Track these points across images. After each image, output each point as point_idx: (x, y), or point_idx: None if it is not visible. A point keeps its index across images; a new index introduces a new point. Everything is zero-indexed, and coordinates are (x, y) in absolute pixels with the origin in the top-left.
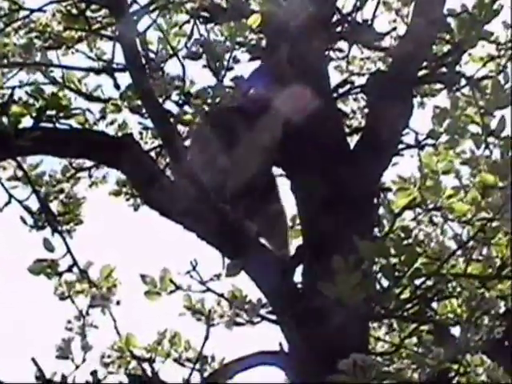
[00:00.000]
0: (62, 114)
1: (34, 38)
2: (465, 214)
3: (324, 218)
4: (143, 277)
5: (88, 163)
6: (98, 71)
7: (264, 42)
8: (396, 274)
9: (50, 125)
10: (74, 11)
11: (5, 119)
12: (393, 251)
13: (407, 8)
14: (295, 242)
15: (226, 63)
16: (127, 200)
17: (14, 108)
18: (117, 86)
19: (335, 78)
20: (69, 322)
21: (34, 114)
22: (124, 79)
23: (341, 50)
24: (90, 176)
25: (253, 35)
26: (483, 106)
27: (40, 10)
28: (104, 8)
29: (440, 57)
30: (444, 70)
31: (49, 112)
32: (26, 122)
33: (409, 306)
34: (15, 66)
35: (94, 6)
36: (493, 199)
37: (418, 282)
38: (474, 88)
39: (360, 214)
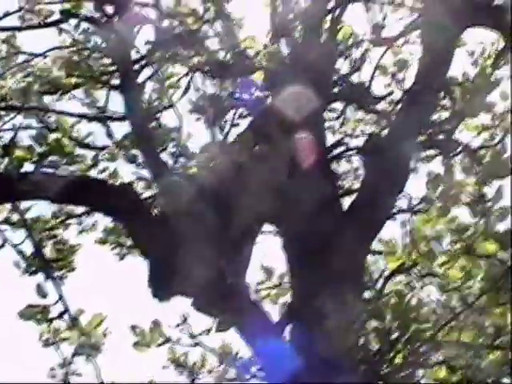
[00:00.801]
0: (64, 161)
1: (31, 82)
2: (457, 281)
3: (314, 277)
4: (133, 328)
5: (79, 210)
6: (91, 118)
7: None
8: (390, 338)
9: (51, 170)
10: (76, 58)
11: (5, 161)
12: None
13: (403, 73)
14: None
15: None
16: (113, 249)
17: (18, 152)
18: (109, 135)
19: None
20: (52, 369)
21: (35, 159)
22: (116, 128)
23: (335, 111)
24: (80, 223)
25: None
26: (480, 175)
27: (42, 55)
28: (106, 57)
29: (438, 123)
30: (441, 136)
31: (51, 158)
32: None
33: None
34: (13, 110)
35: (95, 55)
36: (489, 269)
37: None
38: (471, 157)
39: (349, 274)
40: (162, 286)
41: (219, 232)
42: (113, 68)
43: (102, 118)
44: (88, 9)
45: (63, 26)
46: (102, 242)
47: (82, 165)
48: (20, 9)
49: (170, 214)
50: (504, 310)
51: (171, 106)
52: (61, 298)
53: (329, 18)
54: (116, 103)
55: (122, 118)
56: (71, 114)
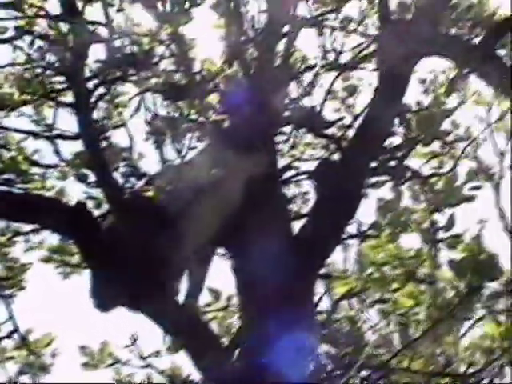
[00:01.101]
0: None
1: None
2: (407, 307)
3: (260, 299)
4: (82, 348)
5: (27, 227)
6: (39, 136)
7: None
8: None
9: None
10: (28, 75)
11: None
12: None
13: (353, 98)
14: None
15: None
16: (57, 267)
17: None
18: (57, 153)
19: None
20: None
21: None
22: (65, 147)
23: (285, 134)
24: (27, 240)
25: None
26: (432, 203)
27: None
28: (60, 75)
29: (390, 150)
30: (392, 163)
31: (5, 175)
32: None
33: None
34: None
35: (49, 72)
36: (443, 298)
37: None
38: (422, 184)
39: (299, 298)
40: (105, 297)
41: (170, 252)
42: (64, 85)
43: (49, 136)
44: (42, 26)
45: (18, 42)
46: (47, 260)
47: (37, 183)
48: None
49: (123, 233)
50: (455, 337)
51: (121, 125)
52: (11, 317)
53: (283, 41)
54: (65, 121)
55: (70, 137)
56: (20, 131)
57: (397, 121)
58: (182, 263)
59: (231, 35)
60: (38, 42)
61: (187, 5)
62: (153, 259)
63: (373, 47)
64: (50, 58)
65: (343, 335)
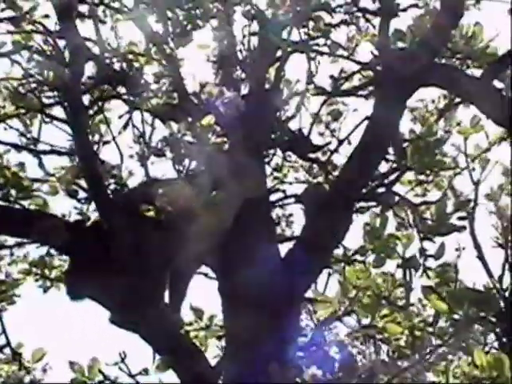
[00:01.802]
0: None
1: None
2: (397, 334)
3: (246, 319)
4: (72, 364)
5: (10, 241)
6: (26, 149)
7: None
8: None
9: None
10: (21, 90)
11: None
12: None
13: (337, 123)
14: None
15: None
16: (36, 281)
17: None
18: (41, 166)
19: None
20: None
21: None
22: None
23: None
24: (12, 254)
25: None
26: (422, 230)
27: None
28: (55, 90)
29: (379, 176)
30: (381, 189)
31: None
32: None
33: None
34: None
35: (44, 87)
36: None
37: None
38: (413, 212)
39: (283, 320)
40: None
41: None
42: (58, 100)
43: (36, 150)
44: (38, 42)
45: (15, 57)
46: (27, 273)
47: (38, 199)
48: None
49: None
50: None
51: (108, 142)
52: (4, 331)
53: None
54: (49, 135)
55: (59, 152)
56: (6, 143)
57: (390, 148)
58: (167, 275)
59: (223, 57)
60: (36, 57)
61: (189, 27)
62: (143, 268)
63: (363, 73)
64: (47, 73)
65: (331, 359)
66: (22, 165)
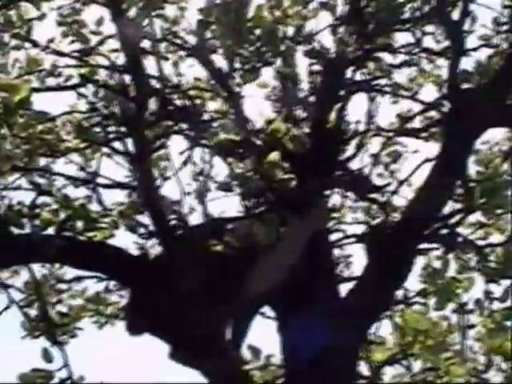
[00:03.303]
0: (88, 227)
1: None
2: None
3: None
4: None
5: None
6: (86, 183)
7: None
8: None
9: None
10: (85, 123)
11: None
12: None
13: (396, 164)
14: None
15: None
16: (91, 317)
17: (44, 214)
18: (100, 201)
19: None
20: None
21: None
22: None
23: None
24: (69, 289)
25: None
26: (486, 273)
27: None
28: (121, 125)
29: (442, 217)
30: (444, 231)
31: (73, 222)
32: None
33: None
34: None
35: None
36: None
37: None
38: (478, 254)
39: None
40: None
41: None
42: (121, 135)
43: (93, 183)
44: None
45: (81, 90)
46: (82, 309)
47: (104, 232)
48: (40, 70)
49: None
50: None
51: (169, 178)
52: (66, 364)
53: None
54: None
55: (117, 185)
56: (66, 176)
57: (457, 189)
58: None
59: (286, 95)
60: (101, 91)
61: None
62: (207, 303)
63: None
64: (113, 107)
65: None
66: (88, 197)
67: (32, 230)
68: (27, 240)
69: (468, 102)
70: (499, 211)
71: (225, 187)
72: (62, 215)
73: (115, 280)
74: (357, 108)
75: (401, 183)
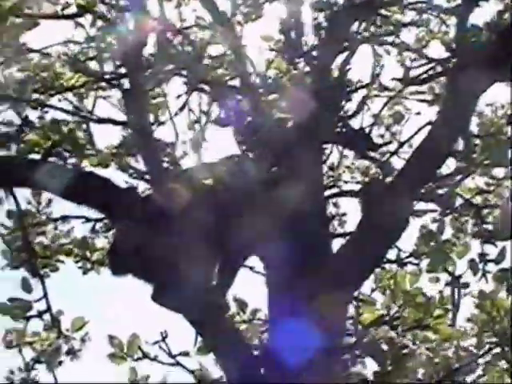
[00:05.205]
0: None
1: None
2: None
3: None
4: (111, 338)
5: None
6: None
7: None
8: None
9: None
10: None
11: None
12: None
13: (398, 126)
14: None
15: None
16: (77, 262)
17: (31, 136)
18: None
19: None
20: (11, 372)
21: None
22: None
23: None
24: (55, 228)
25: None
26: (483, 234)
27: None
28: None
29: (440, 177)
30: (441, 191)
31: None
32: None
33: None
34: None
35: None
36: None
37: None
38: (476, 216)
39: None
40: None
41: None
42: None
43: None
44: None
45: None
46: (67, 253)
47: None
48: None
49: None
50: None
51: (163, 123)
52: (45, 295)
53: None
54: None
55: (110, 121)
56: (68, 112)
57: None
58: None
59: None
60: (99, 23)
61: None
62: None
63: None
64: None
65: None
66: (79, 123)
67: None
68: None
69: (476, 56)
70: (500, 175)
71: (221, 121)
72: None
73: (101, 212)
74: (362, 63)
75: (401, 144)
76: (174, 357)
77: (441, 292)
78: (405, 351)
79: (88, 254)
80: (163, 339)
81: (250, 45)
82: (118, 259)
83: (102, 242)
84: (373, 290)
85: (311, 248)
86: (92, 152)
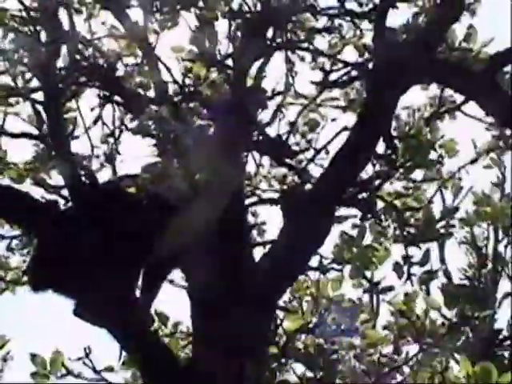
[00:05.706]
0: None
1: None
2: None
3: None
4: (33, 356)
5: None
6: None
7: None
8: None
9: None
10: None
11: None
12: None
13: (314, 133)
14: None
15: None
16: None
17: None
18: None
19: None
20: None
21: None
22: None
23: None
24: None
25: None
26: (407, 237)
27: None
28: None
29: (361, 182)
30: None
31: None
32: None
33: None
34: None
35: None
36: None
37: None
38: (399, 220)
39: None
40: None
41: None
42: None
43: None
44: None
45: None
46: None
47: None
48: None
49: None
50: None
51: (78, 137)
52: None
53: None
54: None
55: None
56: None
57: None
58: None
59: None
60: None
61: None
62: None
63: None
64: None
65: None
66: None
67: None
68: None
69: (393, 58)
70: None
71: (140, 130)
72: None
73: (18, 227)
74: (276, 71)
75: (318, 151)
76: (98, 372)
77: (360, 299)
78: (334, 356)
79: (2, 273)
80: (87, 355)
81: (166, 53)
82: (38, 274)
83: (16, 260)
84: (294, 298)
85: (233, 259)
86: (4, 167)
